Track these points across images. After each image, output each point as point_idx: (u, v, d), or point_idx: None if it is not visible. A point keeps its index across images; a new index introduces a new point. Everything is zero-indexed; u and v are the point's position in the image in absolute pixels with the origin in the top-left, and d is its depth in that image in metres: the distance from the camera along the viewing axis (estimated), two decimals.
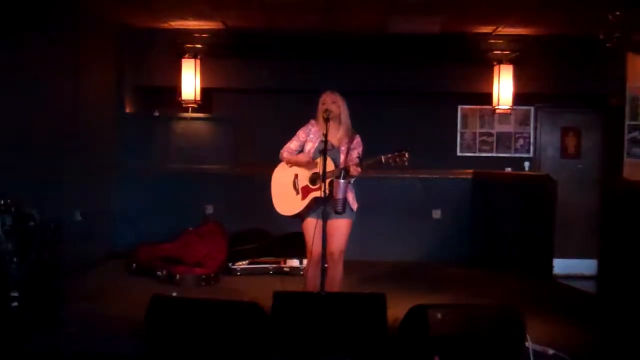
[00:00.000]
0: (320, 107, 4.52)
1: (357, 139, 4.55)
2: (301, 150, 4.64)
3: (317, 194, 4.42)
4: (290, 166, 4.63)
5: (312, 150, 4.56)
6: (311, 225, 4.45)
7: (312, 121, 4.64)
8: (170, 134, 7.84)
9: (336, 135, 4.48)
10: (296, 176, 4.59)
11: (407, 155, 4.06)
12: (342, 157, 4.44)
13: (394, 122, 7.45)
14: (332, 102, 4.50)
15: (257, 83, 7.63)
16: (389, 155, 4.11)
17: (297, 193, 4.56)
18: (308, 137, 4.62)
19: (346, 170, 4.25)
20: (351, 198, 4.47)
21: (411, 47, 7.47)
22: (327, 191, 4.17)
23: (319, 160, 4.42)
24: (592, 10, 5.81)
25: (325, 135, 4.23)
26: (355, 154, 4.44)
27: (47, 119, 5.82)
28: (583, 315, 5.32)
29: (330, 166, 4.28)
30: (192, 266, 6.27)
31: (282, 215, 4.67)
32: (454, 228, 7.66)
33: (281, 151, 4.66)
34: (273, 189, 4.72)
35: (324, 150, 4.21)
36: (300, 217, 4.59)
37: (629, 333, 4.74)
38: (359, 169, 4.25)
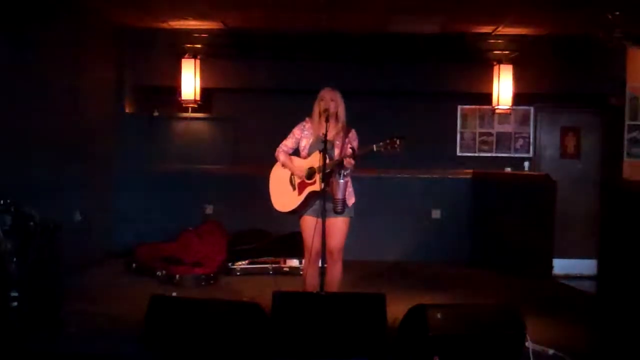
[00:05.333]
0: (319, 104, 4.53)
1: (353, 133, 4.55)
2: (297, 148, 4.66)
3: (313, 188, 4.43)
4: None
5: (308, 147, 4.59)
6: (310, 224, 4.46)
7: (307, 119, 4.67)
8: (170, 134, 7.84)
9: (332, 131, 4.47)
10: (293, 172, 4.61)
11: (398, 142, 4.01)
12: (336, 151, 4.44)
13: (393, 122, 7.42)
14: (331, 100, 4.51)
15: (257, 83, 7.63)
16: (381, 143, 4.09)
17: (294, 189, 4.58)
18: (303, 134, 4.65)
19: (340, 162, 4.25)
20: (348, 193, 4.46)
21: (411, 47, 7.47)
22: (322, 186, 4.18)
23: (314, 155, 4.44)
24: (591, 10, 5.81)
25: (325, 135, 4.23)
26: (349, 146, 4.44)
27: (47, 119, 5.82)
28: (583, 315, 5.33)
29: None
30: (192, 266, 6.27)
31: (281, 215, 4.68)
32: (454, 228, 7.66)
33: (277, 150, 4.68)
34: (271, 186, 4.76)
35: (324, 149, 4.21)
36: (298, 213, 4.60)
37: (629, 333, 4.75)
38: (352, 161, 4.23)
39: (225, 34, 7.46)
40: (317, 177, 4.37)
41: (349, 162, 4.21)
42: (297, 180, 4.57)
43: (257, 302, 4.00)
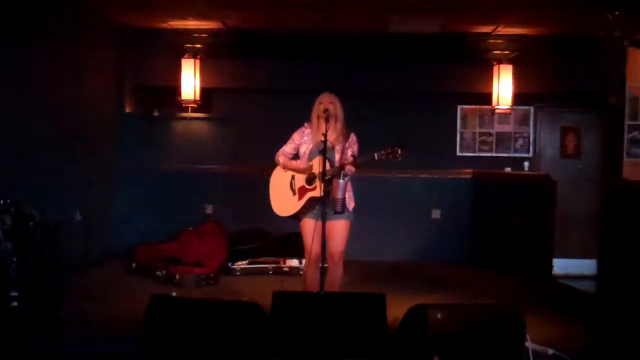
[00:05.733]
0: (317, 107, 4.54)
1: (353, 138, 4.56)
2: (296, 153, 4.66)
3: (313, 194, 4.43)
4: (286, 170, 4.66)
5: (307, 152, 4.58)
6: (309, 227, 4.46)
7: (306, 124, 4.67)
8: (170, 133, 7.85)
9: (332, 135, 4.47)
10: (293, 177, 4.61)
11: (399, 151, 4.04)
12: (337, 156, 4.45)
13: (393, 122, 7.44)
14: (330, 102, 4.52)
15: (257, 83, 7.62)
16: (382, 152, 4.10)
17: (294, 194, 4.57)
18: (302, 140, 4.64)
19: (341, 169, 4.26)
20: (347, 197, 4.46)
21: (411, 47, 7.47)
22: (322, 191, 4.20)
23: (315, 160, 4.44)
24: (592, 10, 5.81)
25: (325, 135, 4.24)
26: (349, 152, 4.45)
27: (47, 119, 5.82)
28: (583, 315, 5.33)
29: (326, 166, 4.28)
30: (192, 266, 6.27)
31: (281, 216, 4.68)
32: (454, 228, 7.67)
33: (277, 155, 4.68)
34: (271, 191, 4.75)
35: (324, 150, 4.21)
36: (298, 217, 4.60)
37: (629, 333, 4.75)
38: (353, 169, 4.25)
39: (225, 34, 7.46)
40: (318, 183, 4.37)
41: (349, 169, 4.23)
42: (297, 185, 4.56)
43: (257, 302, 4.00)
